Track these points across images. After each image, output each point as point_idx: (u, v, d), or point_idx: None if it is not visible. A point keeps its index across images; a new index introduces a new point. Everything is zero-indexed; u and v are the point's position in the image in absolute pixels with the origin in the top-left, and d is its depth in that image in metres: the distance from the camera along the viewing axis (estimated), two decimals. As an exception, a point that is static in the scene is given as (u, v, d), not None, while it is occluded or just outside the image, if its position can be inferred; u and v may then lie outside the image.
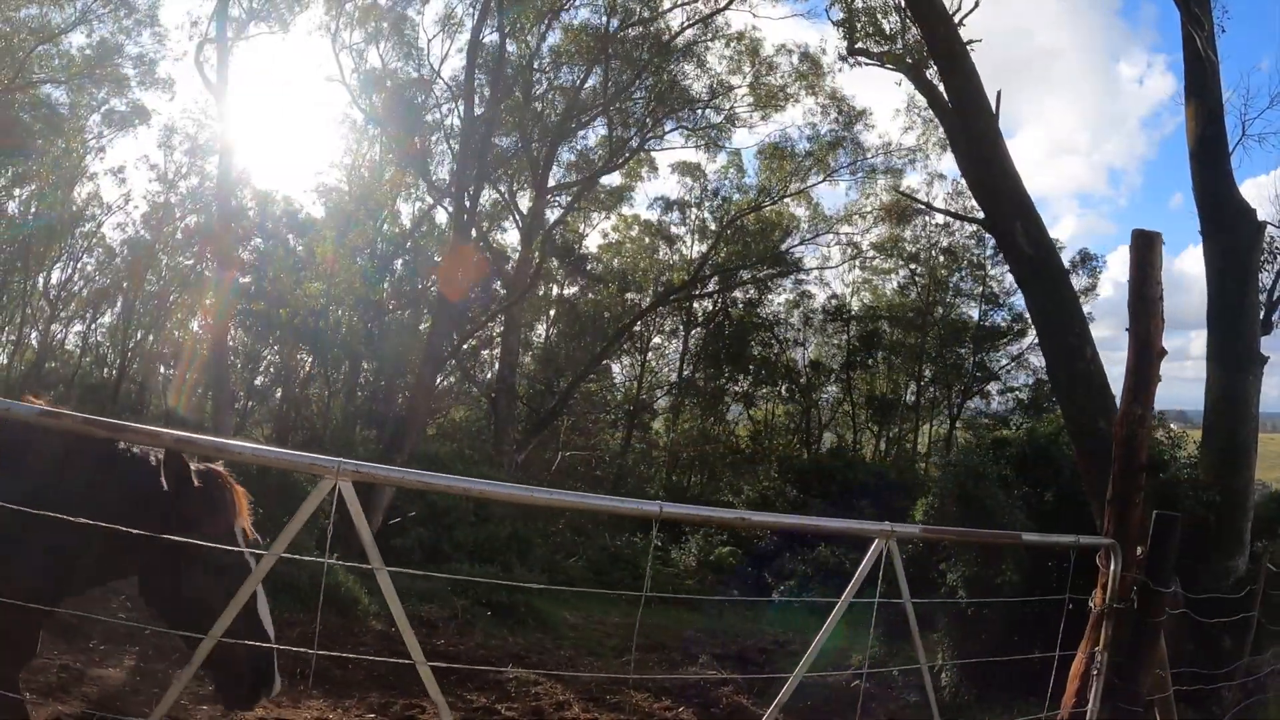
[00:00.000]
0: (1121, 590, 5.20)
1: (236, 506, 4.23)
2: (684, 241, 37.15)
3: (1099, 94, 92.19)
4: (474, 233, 31.60)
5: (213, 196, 31.83)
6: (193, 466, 4.14)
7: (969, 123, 10.95)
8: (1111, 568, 5.21)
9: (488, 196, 32.72)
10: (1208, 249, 10.77)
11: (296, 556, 3.36)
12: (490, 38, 26.58)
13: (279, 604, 8.88)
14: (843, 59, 17.58)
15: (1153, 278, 5.06)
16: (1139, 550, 5.34)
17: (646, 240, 37.79)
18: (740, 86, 30.87)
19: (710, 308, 36.82)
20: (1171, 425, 13.65)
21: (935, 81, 12.78)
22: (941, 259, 36.38)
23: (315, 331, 28.06)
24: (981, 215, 11.06)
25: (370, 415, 30.35)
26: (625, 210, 37.08)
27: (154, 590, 4.14)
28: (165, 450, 4.06)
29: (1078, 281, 33.13)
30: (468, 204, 23.93)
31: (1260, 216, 10.90)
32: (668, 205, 36.59)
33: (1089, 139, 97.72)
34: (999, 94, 10.60)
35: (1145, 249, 5.07)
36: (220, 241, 28.26)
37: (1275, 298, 11.69)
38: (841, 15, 17.56)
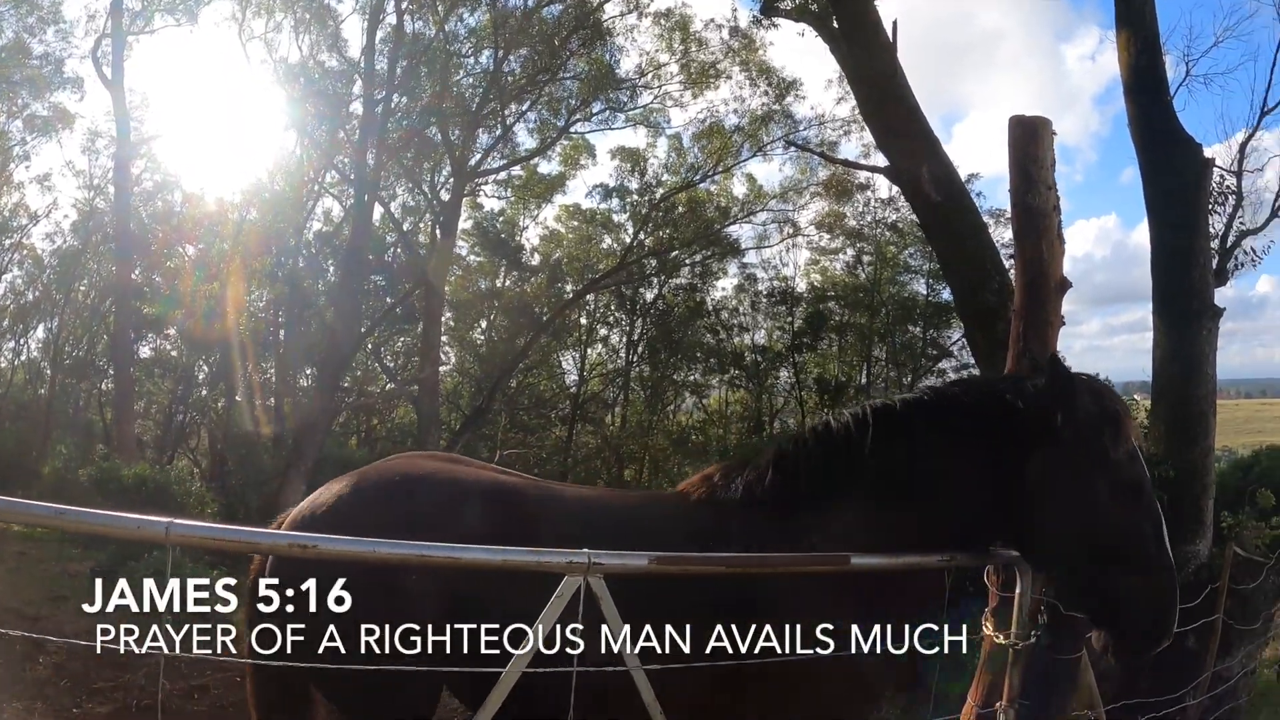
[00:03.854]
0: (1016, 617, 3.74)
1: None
2: (626, 230, 35.73)
3: (1048, 73, 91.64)
4: (394, 230, 30.31)
5: (140, 200, 30.44)
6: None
7: (865, 60, 9.54)
8: (1008, 587, 3.74)
9: (410, 196, 31.39)
10: (1149, 190, 9.40)
11: None
12: (391, 18, 25.16)
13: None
14: (756, 20, 16.40)
15: (1040, 180, 3.40)
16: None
17: (587, 230, 36.35)
18: (670, 64, 29.59)
19: (650, 297, 35.42)
20: (1135, 396, 12.31)
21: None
22: (888, 234, 35.05)
23: (214, 336, 26.56)
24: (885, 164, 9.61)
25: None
26: (565, 200, 35.61)
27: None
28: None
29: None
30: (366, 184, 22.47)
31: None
32: (607, 192, 35.04)
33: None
34: (895, 23, 9.22)
35: (1026, 142, 3.45)
36: (122, 245, 26.74)
37: (1229, 245, 10.36)
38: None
